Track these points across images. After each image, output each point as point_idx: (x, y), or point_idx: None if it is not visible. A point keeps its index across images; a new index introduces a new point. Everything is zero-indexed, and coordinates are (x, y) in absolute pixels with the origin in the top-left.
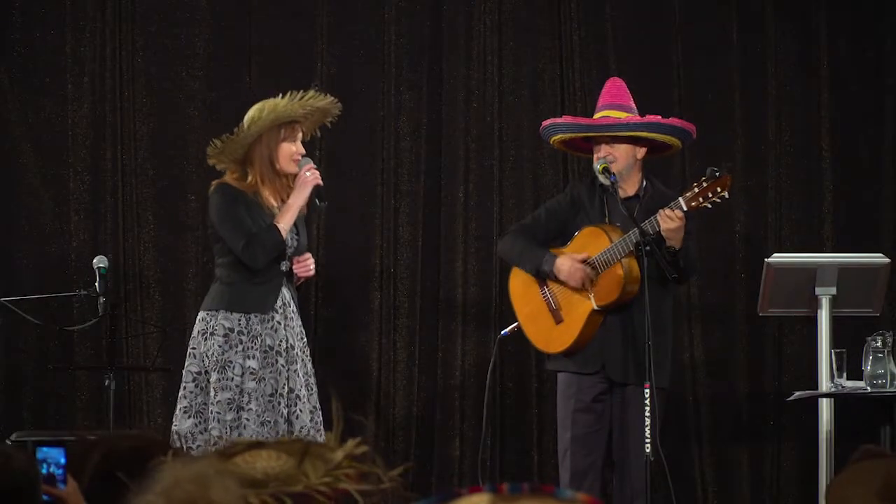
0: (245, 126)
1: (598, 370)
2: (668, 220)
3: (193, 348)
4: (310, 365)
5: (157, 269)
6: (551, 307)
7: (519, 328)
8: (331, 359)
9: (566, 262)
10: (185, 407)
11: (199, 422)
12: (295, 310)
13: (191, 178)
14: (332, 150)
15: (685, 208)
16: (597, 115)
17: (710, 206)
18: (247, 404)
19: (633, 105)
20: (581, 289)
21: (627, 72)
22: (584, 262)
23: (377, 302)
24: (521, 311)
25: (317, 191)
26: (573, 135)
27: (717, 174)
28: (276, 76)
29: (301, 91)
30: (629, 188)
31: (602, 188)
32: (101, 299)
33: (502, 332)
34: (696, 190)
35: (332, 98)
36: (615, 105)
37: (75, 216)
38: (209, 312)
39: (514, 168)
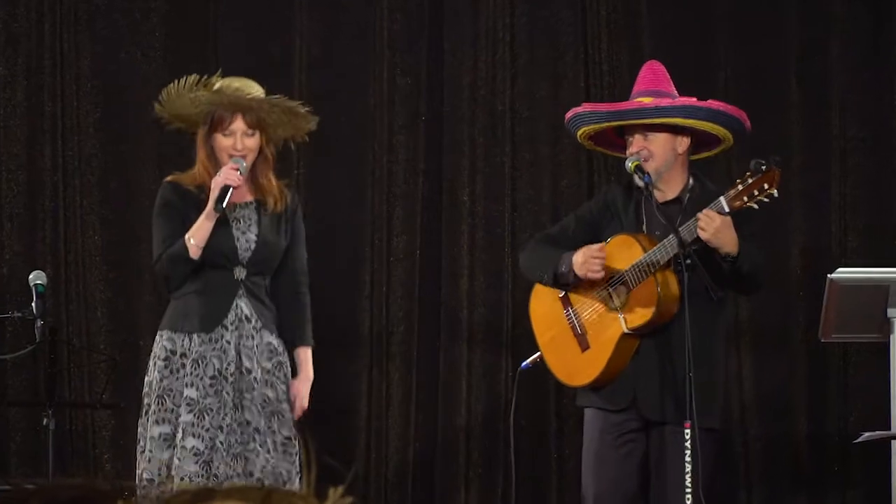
0: (166, 103)
1: (628, 406)
2: (709, 224)
3: (147, 375)
4: (281, 389)
5: (105, 287)
6: (576, 332)
7: (541, 359)
8: (311, 392)
9: (580, 254)
10: (141, 445)
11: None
12: (260, 325)
13: (145, 178)
14: (314, 146)
15: (727, 209)
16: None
17: (756, 205)
18: (181, 441)
19: (676, 93)
20: (600, 282)
21: (663, 52)
22: (611, 278)
23: (367, 325)
24: (543, 338)
25: (222, 192)
26: (597, 126)
27: (764, 167)
28: (246, 56)
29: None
30: (669, 190)
31: (639, 191)
32: (39, 322)
33: (522, 365)
34: (740, 187)
35: (256, 94)
36: (651, 92)
37: (8, 223)
38: (159, 333)
39: (530, 167)
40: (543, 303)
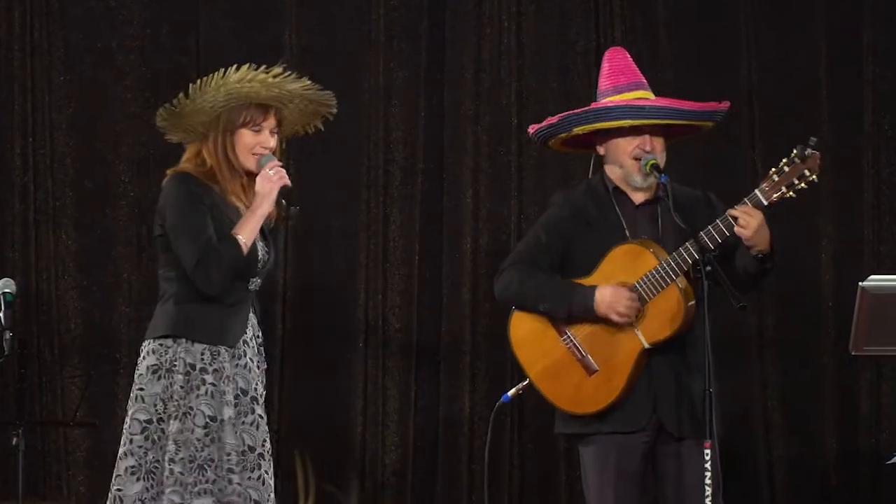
0: (194, 95)
1: (645, 426)
2: (749, 220)
3: (141, 389)
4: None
5: (78, 296)
6: (578, 355)
7: (528, 388)
8: (301, 410)
9: (608, 292)
10: (133, 467)
11: (152, 485)
12: (260, 341)
13: (122, 178)
14: (304, 145)
15: (765, 202)
16: (628, 96)
17: (794, 195)
18: (236, 465)
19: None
20: (626, 324)
21: (682, 42)
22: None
23: (362, 338)
24: (535, 368)
25: (285, 193)
26: (630, 122)
27: (807, 153)
28: (231, 47)
29: (266, 67)
30: (650, 191)
31: (616, 192)
32: (8, 334)
33: (503, 397)
34: (776, 178)
35: (318, 87)
36: (642, 84)
37: None
38: (161, 341)
39: (538, 166)
40: (528, 328)
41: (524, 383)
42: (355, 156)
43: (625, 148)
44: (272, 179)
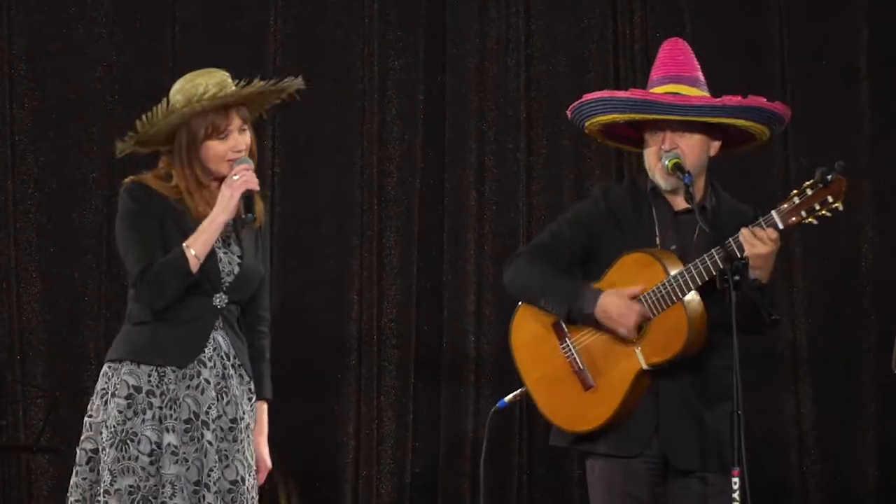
0: (144, 129)
1: (641, 453)
2: (758, 243)
3: (90, 416)
4: (248, 448)
5: (42, 308)
6: (576, 367)
7: (526, 395)
8: (287, 433)
9: (614, 301)
10: (77, 500)
11: None
12: (239, 363)
13: (92, 179)
14: (292, 142)
15: (781, 226)
16: (658, 90)
17: (814, 221)
18: (170, 498)
19: (703, 78)
20: (629, 338)
21: (709, 29)
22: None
23: (355, 355)
24: (532, 375)
25: (246, 199)
26: (629, 116)
27: (830, 178)
28: (210, 35)
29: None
30: (682, 193)
31: (654, 194)
32: None
33: (499, 403)
34: (797, 201)
35: (271, 82)
36: (683, 78)
37: None
38: (111, 365)
39: (548, 164)
40: (530, 331)
41: (522, 389)
42: (347, 153)
43: (651, 146)
44: (233, 185)
